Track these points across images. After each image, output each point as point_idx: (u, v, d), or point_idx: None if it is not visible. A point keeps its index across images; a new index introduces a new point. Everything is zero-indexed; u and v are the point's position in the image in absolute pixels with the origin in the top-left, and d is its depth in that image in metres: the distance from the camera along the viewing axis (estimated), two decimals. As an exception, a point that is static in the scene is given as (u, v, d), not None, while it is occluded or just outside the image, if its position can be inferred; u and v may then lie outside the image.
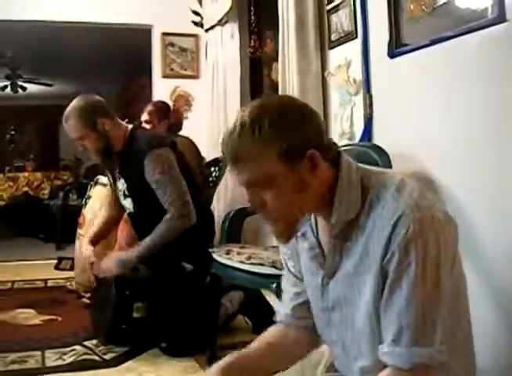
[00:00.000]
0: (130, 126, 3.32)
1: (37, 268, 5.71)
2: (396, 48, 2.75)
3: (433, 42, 2.47)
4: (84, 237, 4.22)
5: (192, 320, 3.13)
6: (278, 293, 2.44)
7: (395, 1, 2.72)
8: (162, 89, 5.79)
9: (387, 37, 2.78)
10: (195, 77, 5.89)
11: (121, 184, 3.30)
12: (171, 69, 5.86)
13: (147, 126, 4.19)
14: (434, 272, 1.24)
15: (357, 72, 3.12)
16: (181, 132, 4.55)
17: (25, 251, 6.73)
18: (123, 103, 10.36)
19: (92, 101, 3.21)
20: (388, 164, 2.47)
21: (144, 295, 3.28)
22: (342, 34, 3.28)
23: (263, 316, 3.43)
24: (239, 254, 2.81)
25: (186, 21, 5.65)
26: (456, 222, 1.35)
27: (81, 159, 10.33)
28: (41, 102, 12.47)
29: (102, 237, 3.60)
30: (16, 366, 2.95)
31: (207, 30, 5.49)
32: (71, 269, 4.94)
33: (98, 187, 4.38)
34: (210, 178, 4.50)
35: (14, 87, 10.04)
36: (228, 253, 2.86)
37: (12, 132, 13.42)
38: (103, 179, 4.31)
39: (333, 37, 3.38)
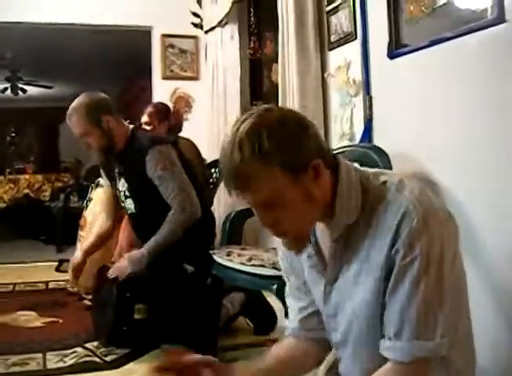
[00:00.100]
0: (131, 126, 3.32)
1: (38, 270, 5.71)
2: (396, 49, 2.75)
3: (432, 43, 2.47)
4: (85, 239, 4.22)
5: (193, 322, 3.13)
6: (278, 294, 2.45)
7: (395, 2, 2.72)
8: (162, 91, 5.79)
9: (386, 38, 2.79)
10: (195, 78, 5.89)
11: (122, 185, 3.30)
12: (171, 70, 5.86)
13: (147, 127, 4.18)
14: (438, 268, 1.26)
15: (357, 73, 3.12)
16: (181, 134, 4.55)
17: (26, 254, 6.74)
18: (123, 104, 10.36)
19: (98, 98, 3.21)
20: (388, 165, 2.47)
21: (145, 297, 3.29)
22: (342, 35, 3.28)
23: (264, 318, 3.47)
24: (239, 255, 2.82)
25: (186, 23, 5.66)
26: (456, 220, 1.36)
27: (82, 161, 10.34)
28: (41, 104, 12.50)
29: (98, 248, 3.57)
30: (17, 369, 2.96)
31: (206, 32, 5.50)
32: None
33: (99, 189, 4.37)
34: (211, 180, 4.51)
35: (14, 89, 10.05)
36: (229, 254, 2.86)
37: (13, 134, 13.44)
38: (104, 182, 4.31)
39: (333, 38, 3.38)
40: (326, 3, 3.44)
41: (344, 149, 2.87)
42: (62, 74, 9.96)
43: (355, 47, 3.13)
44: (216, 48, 5.26)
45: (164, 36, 5.82)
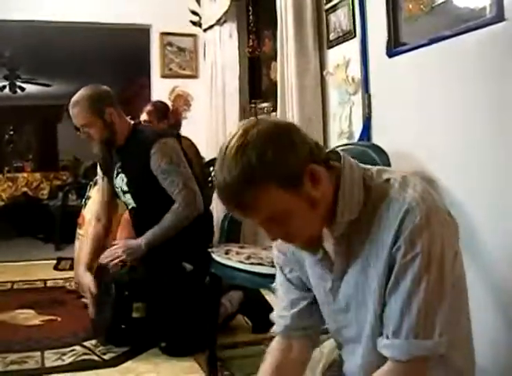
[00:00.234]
0: (132, 122, 3.32)
1: (37, 268, 5.71)
2: (395, 47, 2.75)
3: (431, 41, 2.47)
4: (84, 237, 4.22)
5: (191, 320, 3.13)
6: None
7: (394, 0, 2.72)
8: (161, 89, 5.78)
9: (385, 37, 2.78)
10: (194, 76, 5.89)
11: (120, 179, 3.29)
12: (170, 69, 5.86)
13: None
14: (439, 266, 1.26)
15: (356, 71, 3.12)
16: (180, 132, 4.55)
17: (24, 252, 6.74)
18: (122, 102, 10.33)
19: (101, 90, 3.21)
20: (387, 164, 2.47)
21: (143, 295, 3.29)
22: (340, 34, 3.28)
23: (262, 316, 3.45)
24: (238, 253, 2.81)
25: (185, 21, 5.65)
26: (456, 219, 1.37)
27: (80, 159, 10.35)
28: (39, 102, 12.49)
29: (97, 255, 3.38)
30: (15, 367, 2.95)
31: (205, 30, 5.49)
32: (71, 269, 4.95)
33: (97, 188, 4.37)
34: (210, 178, 4.51)
35: (13, 87, 10.05)
36: (227, 253, 2.86)
37: (11, 133, 13.44)
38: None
39: (332, 36, 3.38)
40: (324, 1, 3.43)
41: (343, 147, 2.87)
42: (60, 72, 9.96)
43: (353, 45, 3.13)
44: (215, 47, 5.26)
45: (163, 34, 5.81)
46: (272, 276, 2.49)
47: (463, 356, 1.39)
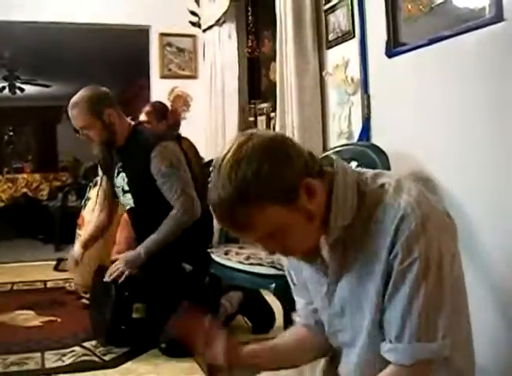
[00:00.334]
0: (132, 123, 3.33)
1: (37, 269, 5.71)
2: (394, 47, 2.75)
3: (431, 42, 2.47)
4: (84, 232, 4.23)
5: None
6: (277, 293, 2.45)
7: (392, 0, 2.72)
8: (160, 90, 5.78)
9: (384, 37, 2.78)
10: (193, 77, 5.89)
11: (121, 179, 3.29)
12: (169, 69, 5.86)
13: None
14: (437, 270, 1.25)
15: (355, 72, 3.12)
16: (179, 133, 4.55)
17: (24, 253, 6.74)
18: (121, 103, 10.33)
19: (100, 91, 3.22)
20: (386, 164, 2.48)
21: (143, 296, 3.29)
22: (340, 34, 3.28)
23: (262, 316, 3.47)
24: (237, 254, 2.82)
25: (184, 21, 5.66)
26: (454, 220, 1.36)
27: (80, 160, 10.34)
28: (39, 103, 12.49)
29: (95, 240, 3.57)
30: (15, 368, 2.95)
31: (204, 31, 5.49)
32: (70, 270, 4.94)
33: (97, 188, 4.37)
34: (209, 179, 4.50)
35: (12, 88, 10.05)
36: (226, 253, 2.87)
37: (11, 134, 13.45)
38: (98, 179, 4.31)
39: (331, 36, 3.38)
40: (323, 2, 3.44)
41: (342, 147, 2.88)
42: (60, 73, 9.95)
43: (353, 45, 3.13)
44: (214, 47, 5.26)
45: (162, 35, 5.81)
46: (272, 277, 2.50)
47: (463, 356, 1.39)
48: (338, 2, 3.27)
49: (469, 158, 2.27)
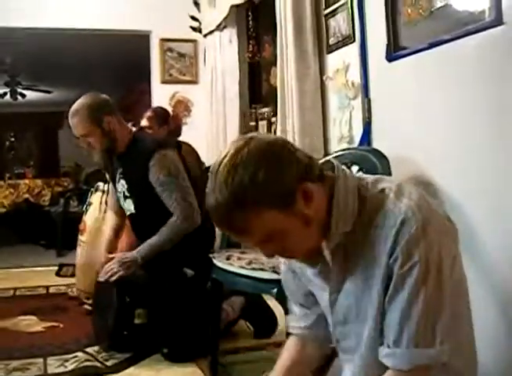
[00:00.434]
0: (133, 129, 3.33)
1: (39, 274, 5.71)
2: (394, 51, 2.75)
3: (431, 45, 2.47)
4: (85, 244, 4.23)
5: (193, 326, 3.13)
6: (279, 298, 2.45)
7: (392, 5, 2.72)
8: (161, 95, 5.79)
9: (384, 41, 2.79)
10: (194, 82, 5.90)
11: (122, 185, 3.30)
12: (170, 74, 5.87)
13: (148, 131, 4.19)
14: (437, 275, 1.25)
15: (355, 76, 3.12)
16: (180, 138, 4.55)
17: (26, 258, 6.74)
18: (122, 108, 10.32)
19: (99, 99, 3.22)
20: (387, 168, 2.48)
21: (145, 301, 3.29)
22: (340, 38, 3.28)
23: (264, 321, 3.47)
24: (239, 259, 2.81)
25: (185, 27, 5.67)
26: (455, 224, 1.36)
27: (82, 165, 10.35)
28: (40, 109, 12.51)
29: (116, 242, 3.60)
30: (18, 374, 2.96)
31: (205, 36, 5.50)
32: (72, 275, 4.95)
33: (98, 194, 4.38)
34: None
35: (13, 94, 10.06)
36: (228, 258, 2.86)
37: (12, 139, 13.47)
38: (104, 186, 4.31)
39: (331, 41, 3.38)
40: (324, 6, 3.44)
41: (343, 152, 2.88)
42: (61, 79, 9.98)
43: (353, 50, 3.13)
44: (215, 52, 5.27)
45: (163, 40, 5.82)
46: (274, 282, 2.49)
47: (464, 360, 1.39)
48: (338, 7, 3.27)
49: (469, 161, 2.27)
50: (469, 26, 2.22)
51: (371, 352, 1.37)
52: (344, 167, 1.40)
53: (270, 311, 3.45)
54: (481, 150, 2.21)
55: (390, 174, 2.45)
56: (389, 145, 2.74)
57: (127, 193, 3.28)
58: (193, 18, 5.63)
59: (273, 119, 4.59)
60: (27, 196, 8.42)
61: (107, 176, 3.55)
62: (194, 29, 5.67)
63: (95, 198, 4.40)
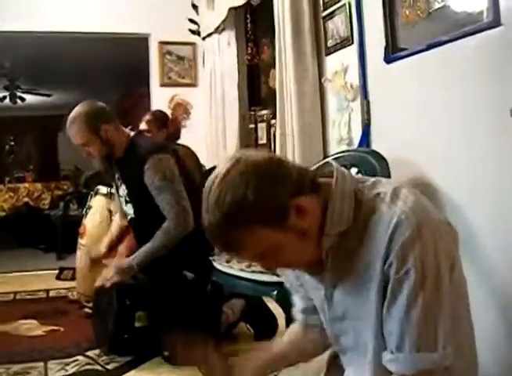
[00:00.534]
0: (132, 133, 3.33)
1: (39, 278, 5.71)
2: (392, 53, 2.76)
3: (429, 47, 2.47)
4: (85, 247, 4.23)
5: (194, 329, 3.12)
6: (279, 300, 2.45)
7: (390, 6, 2.73)
8: (160, 98, 5.79)
9: (383, 43, 2.79)
10: (193, 85, 5.91)
11: (122, 190, 3.32)
12: (169, 77, 5.87)
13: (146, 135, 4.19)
14: (434, 278, 1.24)
15: (354, 78, 3.12)
16: (180, 141, 4.56)
17: (26, 262, 6.73)
18: (121, 111, 10.35)
19: (96, 107, 3.23)
20: (387, 170, 2.48)
21: (145, 304, 3.29)
22: (338, 40, 3.29)
23: (264, 323, 3.47)
24: (239, 262, 2.82)
25: (183, 29, 5.68)
26: (454, 226, 1.36)
27: (81, 169, 10.34)
28: (40, 112, 12.51)
29: (118, 242, 3.63)
30: (18, 378, 2.96)
31: (204, 38, 5.51)
32: (73, 279, 4.95)
33: (98, 197, 4.38)
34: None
35: (13, 98, 10.06)
36: (228, 261, 2.87)
37: (12, 143, 13.47)
38: (103, 189, 4.32)
39: (330, 43, 3.39)
40: (322, 8, 3.45)
41: (343, 154, 2.88)
42: (60, 82, 9.98)
43: (351, 52, 3.14)
44: (213, 55, 5.27)
45: (162, 43, 5.83)
46: (274, 284, 2.50)
47: (464, 362, 1.38)
48: (336, 9, 3.28)
49: (468, 162, 2.28)
50: (467, 27, 2.23)
51: (375, 357, 1.37)
52: (343, 168, 1.39)
53: (270, 313, 3.44)
54: (480, 151, 2.21)
55: (389, 175, 2.46)
56: (388, 146, 2.75)
57: (127, 198, 3.29)
58: (192, 21, 5.63)
59: (272, 121, 4.59)
60: (26, 199, 8.42)
61: (111, 181, 3.56)
62: (193, 32, 5.68)
63: (95, 201, 4.40)
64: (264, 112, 4.97)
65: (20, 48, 7.19)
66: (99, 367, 3.08)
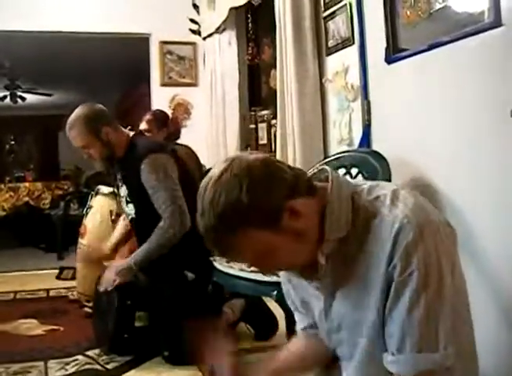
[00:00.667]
0: (131, 133, 3.34)
1: (39, 278, 5.71)
2: (393, 53, 2.76)
3: (430, 47, 2.47)
4: (86, 247, 4.23)
5: (194, 329, 3.12)
6: (279, 300, 2.45)
7: (391, 7, 2.73)
8: (161, 98, 5.80)
9: (384, 43, 2.79)
10: (193, 85, 5.90)
11: (123, 190, 3.32)
12: (170, 77, 5.87)
13: (146, 135, 4.19)
14: (436, 279, 1.25)
15: (355, 78, 3.12)
16: (180, 141, 4.56)
17: (26, 262, 6.73)
18: (122, 111, 10.37)
19: (96, 110, 3.23)
20: (387, 170, 2.48)
21: (146, 304, 3.28)
22: (339, 41, 3.29)
23: (265, 323, 3.47)
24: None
25: (184, 29, 5.68)
26: (453, 227, 1.36)
27: (82, 168, 10.34)
28: (40, 112, 12.51)
29: (124, 243, 3.65)
30: (18, 377, 2.96)
31: (204, 38, 5.51)
32: (73, 278, 4.95)
33: (99, 197, 4.37)
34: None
35: (13, 97, 10.06)
36: (229, 261, 2.86)
37: (12, 143, 13.47)
38: (104, 189, 4.32)
39: (331, 43, 3.39)
40: (323, 9, 3.45)
41: (343, 154, 2.88)
42: (61, 82, 9.98)
43: (352, 52, 3.14)
44: (214, 55, 5.27)
45: (162, 43, 5.83)
46: (274, 284, 2.50)
47: (466, 364, 1.38)
48: (337, 9, 3.28)
49: (469, 163, 2.28)
50: (468, 27, 2.22)
51: (368, 361, 1.37)
52: (339, 174, 1.39)
53: (270, 313, 3.44)
54: (480, 151, 2.21)
55: (389, 176, 2.46)
56: (389, 147, 2.75)
57: (128, 198, 3.30)
58: (193, 21, 5.64)
59: (273, 121, 4.59)
60: (27, 199, 8.41)
61: (113, 182, 3.57)
62: (194, 32, 5.68)
63: (96, 201, 4.40)
64: (264, 112, 4.97)
65: (21, 48, 7.18)
66: (98, 367, 3.08)
